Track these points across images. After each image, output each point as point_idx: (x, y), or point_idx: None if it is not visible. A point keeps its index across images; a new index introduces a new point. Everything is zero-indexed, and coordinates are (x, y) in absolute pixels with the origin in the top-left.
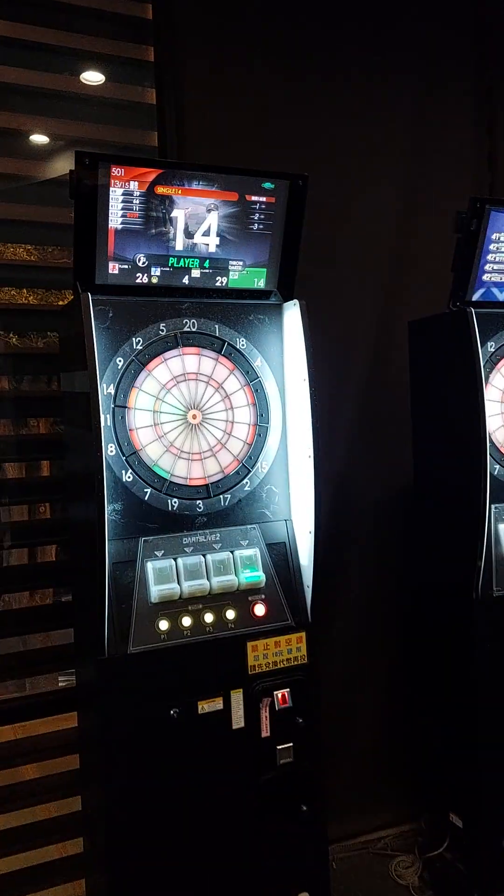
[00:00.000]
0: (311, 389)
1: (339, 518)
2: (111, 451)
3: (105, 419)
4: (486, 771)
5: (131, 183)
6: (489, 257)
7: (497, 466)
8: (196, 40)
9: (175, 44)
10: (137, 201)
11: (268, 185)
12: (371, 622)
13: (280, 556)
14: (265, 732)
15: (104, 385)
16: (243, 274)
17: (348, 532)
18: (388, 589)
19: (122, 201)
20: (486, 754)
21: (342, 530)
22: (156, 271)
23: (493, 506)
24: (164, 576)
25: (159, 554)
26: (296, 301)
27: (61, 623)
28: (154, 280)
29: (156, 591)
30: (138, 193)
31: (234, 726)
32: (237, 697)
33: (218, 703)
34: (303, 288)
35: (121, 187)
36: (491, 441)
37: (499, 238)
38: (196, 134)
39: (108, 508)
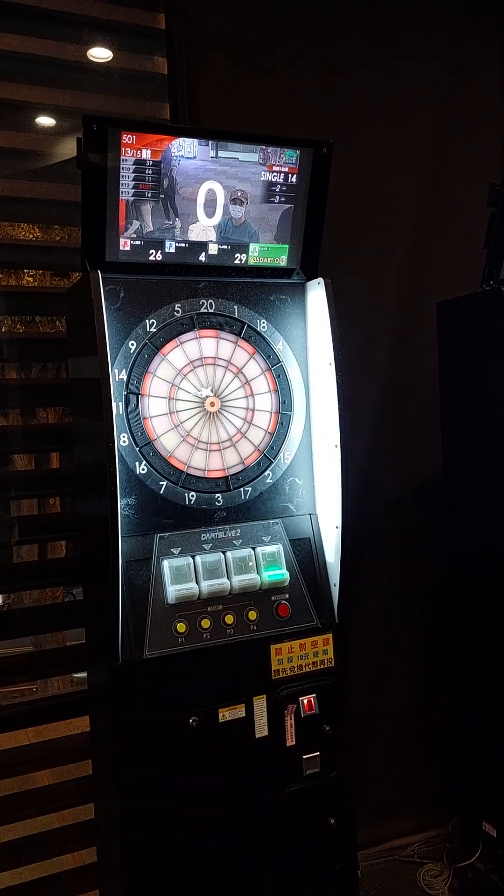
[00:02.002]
0: (337, 374)
1: (364, 511)
2: (124, 442)
3: (117, 407)
4: None
5: (143, 151)
6: None
7: None
8: (210, 5)
9: (187, 10)
10: (151, 171)
11: (290, 153)
12: (398, 621)
13: (305, 553)
14: (290, 741)
15: (115, 370)
16: (264, 250)
17: (374, 526)
18: (416, 585)
19: (134, 171)
20: None
21: (367, 524)
22: (170, 247)
23: None
24: (182, 574)
25: (176, 551)
26: (320, 280)
27: (72, 622)
28: (168, 257)
29: (173, 591)
30: (151, 163)
31: (258, 735)
32: (260, 704)
33: (240, 711)
34: (326, 268)
35: (132, 156)
36: None
37: None
38: (210, 105)
39: (120, 503)
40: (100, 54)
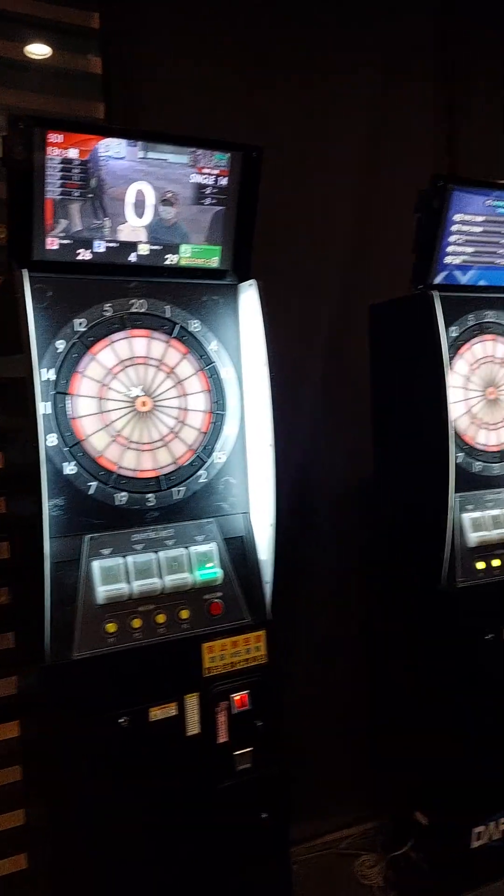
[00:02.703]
0: (269, 374)
1: (301, 510)
2: (52, 442)
3: (44, 407)
4: (450, 768)
5: (71, 150)
6: (451, 238)
7: (460, 454)
8: (145, 6)
9: (122, 10)
10: (78, 170)
11: (220, 156)
12: (332, 618)
13: (238, 552)
14: (222, 738)
15: (43, 370)
16: (195, 251)
17: (310, 524)
18: (351, 583)
19: (61, 170)
20: (450, 751)
21: (304, 523)
22: (99, 247)
23: (456, 495)
24: (112, 575)
25: (106, 552)
26: (252, 281)
27: (2, 626)
28: (97, 257)
29: (102, 591)
30: (79, 162)
31: (189, 733)
32: (192, 702)
33: (171, 709)
34: (260, 270)
35: (59, 155)
36: (454, 428)
37: (461, 219)
38: (146, 106)
39: (48, 504)
40: (38, 51)
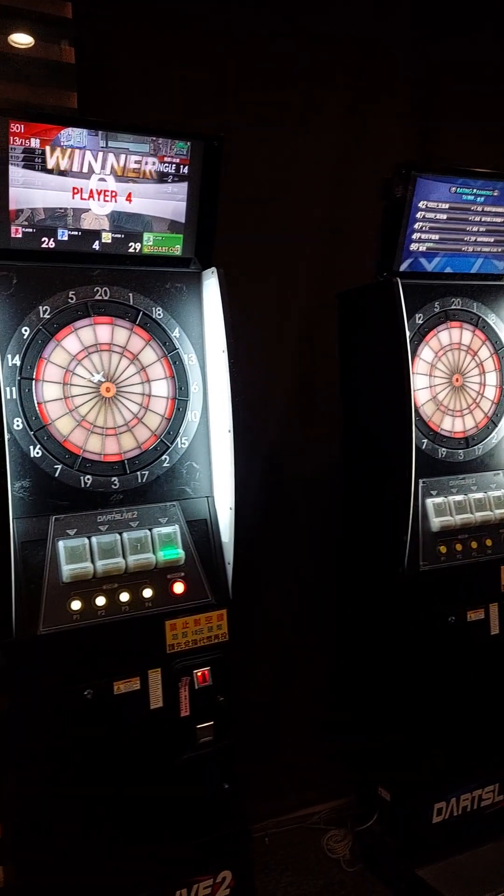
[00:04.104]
0: (229, 361)
1: (271, 494)
2: (17, 426)
3: (9, 392)
4: (412, 746)
5: (33, 140)
6: (416, 226)
7: (425, 440)
8: None
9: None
10: (40, 159)
11: (181, 145)
12: (303, 598)
13: (201, 534)
14: (184, 712)
15: (9, 356)
16: (158, 240)
17: (280, 508)
18: (321, 565)
19: (23, 159)
20: (412, 729)
21: (275, 506)
22: (62, 235)
23: (420, 480)
24: (77, 555)
25: (72, 532)
26: (214, 269)
27: None
28: (61, 245)
29: (67, 570)
30: (40, 151)
31: (152, 706)
32: (155, 677)
33: (135, 684)
34: (230, 257)
35: (21, 144)
36: (418, 415)
37: (426, 206)
38: (118, 95)
39: (14, 485)
40: (11, 40)
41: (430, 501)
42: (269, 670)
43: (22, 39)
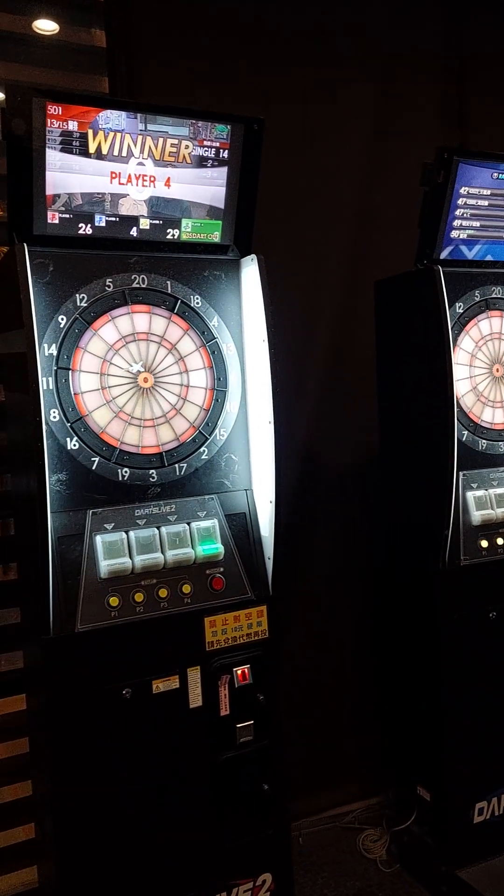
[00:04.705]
0: (270, 350)
1: (304, 488)
2: (54, 417)
3: (46, 382)
4: (452, 744)
5: (70, 122)
6: (457, 212)
7: (465, 432)
8: None
9: None
10: (78, 143)
11: (221, 128)
12: (338, 595)
13: (240, 528)
14: (224, 710)
15: (45, 345)
16: (196, 226)
17: (314, 502)
18: (356, 560)
19: (61, 143)
20: (453, 727)
21: (308, 500)
22: (100, 221)
23: (460, 473)
24: (115, 550)
25: (109, 527)
26: (254, 256)
27: (6, 602)
28: (98, 231)
29: (105, 565)
30: (78, 134)
31: (192, 705)
32: (194, 675)
33: (174, 682)
34: (264, 245)
35: (59, 127)
36: (459, 406)
37: (468, 192)
38: (150, 79)
39: (51, 479)
40: (45, 26)
41: (470, 494)
42: (302, 666)
43: (54, 25)
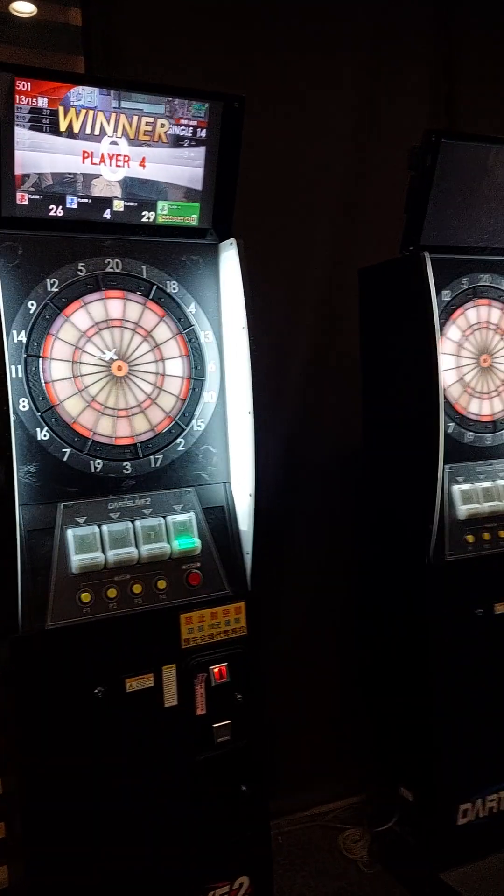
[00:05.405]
0: (249, 338)
1: (287, 481)
2: (23, 406)
3: (15, 370)
4: (439, 744)
5: (40, 99)
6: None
7: (451, 424)
8: None
9: None
10: (48, 120)
11: (198, 106)
12: (321, 590)
13: (218, 522)
14: (200, 710)
15: (14, 332)
16: (173, 209)
17: (297, 495)
18: (340, 555)
19: (30, 119)
20: (440, 727)
21: (291, 493)
22: (71, 203)
23: (446, 466)
24: (87, 544)
25: (81, 520)
26: (233, 240)
27: None
28: (70, 213)
29: (77, 560)
30: (48, 112)
31: (167, 704)
32: (169, 674)
33: (148, 681)
34: (247, 230)
35: (27, 104)
36: (444, 397)
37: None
38: (128, 59)
39: (20, 470)
40: (22, 9)
41: (456, 488)
42: (284, 662)
43: (24, 8)
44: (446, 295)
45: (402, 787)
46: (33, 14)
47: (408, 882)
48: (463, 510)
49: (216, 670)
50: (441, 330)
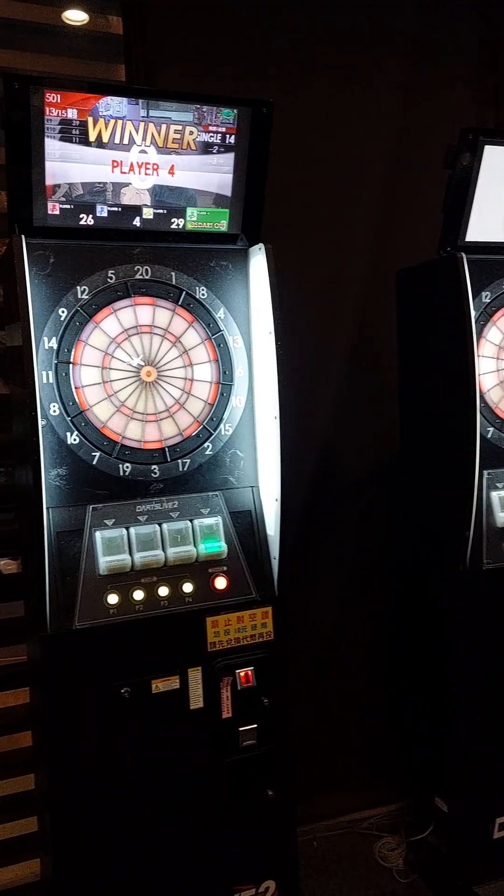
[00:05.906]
0: (276, 343)
1: (321, 486)
2: (54, 412)
3: (46, 376)
4: (474, 755)
5: (69, 110)
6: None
7: (490, 429)
8: None
9: None
10: (77, 131)
11: (227, 112)
12: (355, 596)
13: (245, 526)
14: (226, 713)
15: (45, 338)
16: (202, 215)
17: (331, 501)
18: (373, 561)
19: (60, 131)
20: (472, 738)
21: (324, 499)
22: (101, 212)
23: (485, 472)
24: (114, 546)
25: (109, 523)
26: (261, 245)
27: (10, 595)
28: (100, 222)
29: (104, 562)
30: (78, 123)
31: (192, 706)
32: (195, 676)
33: (174, 682)
34: (279, 234)
35: (57, 115)
36: (484, 401)
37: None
38: (167, 65)
39: (50, 474)
40: (60, 15)
41: (495, 495)
42: (318, 669)
43: (77, 17)
44: (486, 296)
45: (438, 797)
46: (85, 22)
47: (442, 894)
48: (501, 517)
49: (242, 674)
50: (481, 332)
